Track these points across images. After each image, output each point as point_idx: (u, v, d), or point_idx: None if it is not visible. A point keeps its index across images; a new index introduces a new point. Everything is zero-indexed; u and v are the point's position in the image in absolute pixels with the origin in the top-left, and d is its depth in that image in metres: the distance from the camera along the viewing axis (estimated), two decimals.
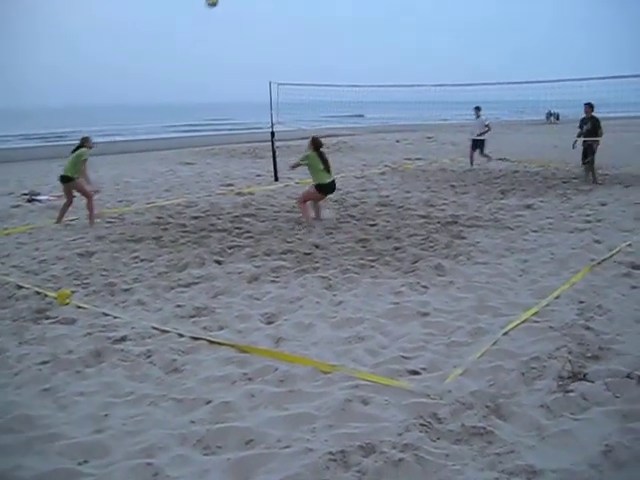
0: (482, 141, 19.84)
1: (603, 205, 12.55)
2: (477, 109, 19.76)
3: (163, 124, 64.48)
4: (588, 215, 11.51)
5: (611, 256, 8.51)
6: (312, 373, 5.12)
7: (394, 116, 21.85)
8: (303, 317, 6.46)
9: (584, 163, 16.25)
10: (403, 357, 5.40)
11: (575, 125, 17.23)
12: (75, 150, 11.67)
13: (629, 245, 9.08)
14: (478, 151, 19.83)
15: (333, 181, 11.49)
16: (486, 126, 19.56)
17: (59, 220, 11.81)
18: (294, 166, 11.91)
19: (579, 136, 16.30)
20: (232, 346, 5.74)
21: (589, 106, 16.19)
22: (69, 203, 11.92)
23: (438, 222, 10.97)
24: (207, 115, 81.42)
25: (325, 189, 11.40)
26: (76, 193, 11.84)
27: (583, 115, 16.41)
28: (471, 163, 19.86)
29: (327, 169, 11.31)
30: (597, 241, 9.44)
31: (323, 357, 5.44)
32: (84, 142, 11.73)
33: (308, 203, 11.51)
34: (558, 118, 54.40)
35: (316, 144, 11.42)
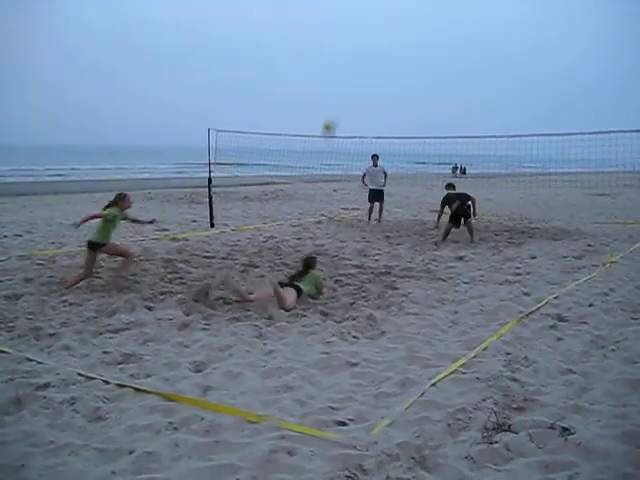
0: (382, 193, 18.37)
1: (533, 258, 12.83)
2: (375, 157, 18.30)
3: (100, 166, 64.09)
4: (518, 268, 11.74)
5: (538, 308, 8.68)
6: (238, 423, 5.04)
7: (333, 164, 21.60)
8: (232, 366, 6.38)
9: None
10: (331, 408, 5.38)
11: (482, 179, 17.39)
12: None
13: (556, 297, 9.29)
14: (378, 205, 18.38)
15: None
16: (385, 173, 18.38)
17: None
18: None
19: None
20: (158, 394, 5.62)
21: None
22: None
23: (371, 272, 11.02)
24: (150, 159, 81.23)
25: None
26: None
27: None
28: (369, 218, 18.45)
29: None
30: (526, 293, 9.61)
31: (250, 407, 5.37)
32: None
33: None
34: (464, 172, 54.45)
35: None
